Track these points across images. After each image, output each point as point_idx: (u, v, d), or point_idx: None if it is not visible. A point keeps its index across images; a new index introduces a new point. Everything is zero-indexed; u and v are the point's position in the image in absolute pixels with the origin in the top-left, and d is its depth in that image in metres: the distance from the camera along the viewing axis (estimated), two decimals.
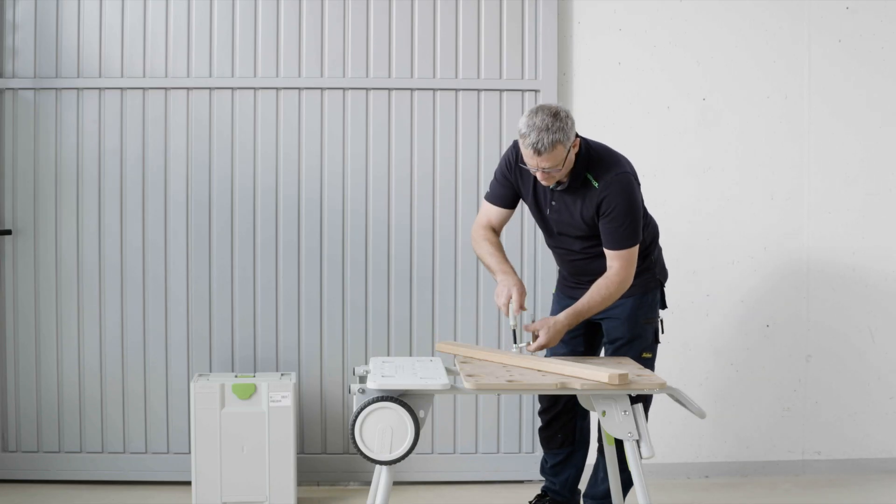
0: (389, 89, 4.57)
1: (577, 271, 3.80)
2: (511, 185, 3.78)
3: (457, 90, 4.58)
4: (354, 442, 3.19)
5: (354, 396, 3.24)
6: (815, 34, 4.74)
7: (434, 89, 4.57)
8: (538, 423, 4.54)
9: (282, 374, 4.41)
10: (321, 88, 4.56)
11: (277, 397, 4.22)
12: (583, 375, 3.26)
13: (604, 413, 3.29)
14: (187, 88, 4.52)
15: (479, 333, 4.61)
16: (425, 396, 3.25)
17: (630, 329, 3.81)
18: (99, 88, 4.50)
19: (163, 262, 4.54)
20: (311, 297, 4.57)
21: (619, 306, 3.78)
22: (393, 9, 4.57)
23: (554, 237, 3.82)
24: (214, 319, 4.56)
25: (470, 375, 3.31)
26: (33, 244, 4.52)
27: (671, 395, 3.40)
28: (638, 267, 3.72)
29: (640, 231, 3.66)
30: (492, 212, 3.83)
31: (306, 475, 4.57)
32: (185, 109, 4.53)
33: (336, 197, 4.57)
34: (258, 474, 4.21)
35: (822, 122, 4.75)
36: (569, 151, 3.53)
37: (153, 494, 4.43)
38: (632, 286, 3.73)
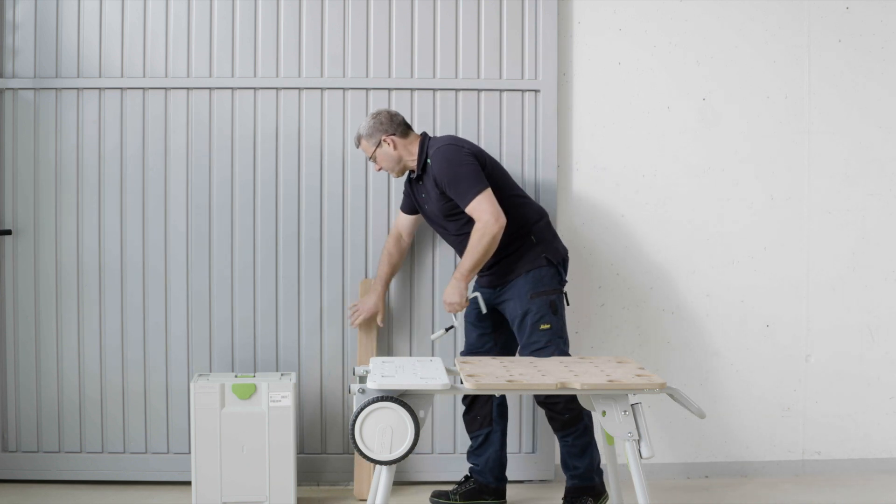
0: (389, 89, 4.57)
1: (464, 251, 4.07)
2: (408, 194, 4.30)
3: (457, 90, 4.58)
4: (354, 442, 3.19)
5: (354, 396, 3.24)
6: (815, 34, 4.73)
7: (434, 89, 4.57)
8: (538, 423, 4.54)
9: (282, 374, 4.41)
10: (321, 88, 4.56)
11: (277, 397, 4.22)
12: None
13: (604, 413, 3.29)
14: (187, 88, 4.52)
15: None
16: (425, 396, 3.25)
17: (522, 305, 4.05)
18: (99, 88, 4.50)
19: (163, 262, 4.54)
20: (312, 298, 4.57)
21: (511, 289, 4.08)
22: (393, 9, 4.57)
23: (436, 227, 4.23)
24: (214, 319, 4.56)
25: (470, 375, 3.32)
26: (33, 244, 4.52)
27: (671, 395, 3.40)
28: (518, 245, 4.06)
29: (476, 180, 3.94)
30: (400, 218, 4.39)
31: (306, 475, 4.57)
32: (185, 109, 4.53)
33: (336, 197, 4.57)
34: (258, 474, 4.21)
35: (823, 121, 4.75)
36: (377, 146, 4.12)
37: (153, 494, 4.43)
38: (517, 266, 4.04)
